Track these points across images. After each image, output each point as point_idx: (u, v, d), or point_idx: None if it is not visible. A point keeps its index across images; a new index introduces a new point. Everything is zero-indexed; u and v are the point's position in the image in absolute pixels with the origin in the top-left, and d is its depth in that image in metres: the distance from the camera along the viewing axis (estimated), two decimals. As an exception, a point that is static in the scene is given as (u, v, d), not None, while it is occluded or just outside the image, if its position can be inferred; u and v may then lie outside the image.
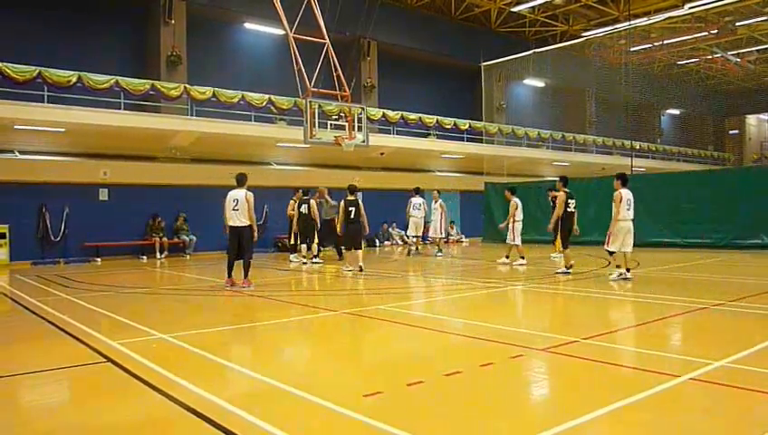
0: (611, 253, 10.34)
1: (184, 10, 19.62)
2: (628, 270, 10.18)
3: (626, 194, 10.26)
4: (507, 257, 13.70)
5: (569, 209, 11.21)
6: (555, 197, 15.18)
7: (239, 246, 9.74)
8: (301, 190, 14.75)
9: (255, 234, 9.97)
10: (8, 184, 15.57)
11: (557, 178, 12.28)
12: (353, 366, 5.13)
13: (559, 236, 11.75)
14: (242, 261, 9.84)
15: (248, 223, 9.66)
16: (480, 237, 22.83)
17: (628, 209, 10.21)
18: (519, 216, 13.72)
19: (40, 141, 16.58)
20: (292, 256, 15.36)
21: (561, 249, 11.78)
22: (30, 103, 15.37)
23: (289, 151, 20.72)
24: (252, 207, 9.65)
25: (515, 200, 13.79)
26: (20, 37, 17.32)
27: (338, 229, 12.88)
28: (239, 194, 9.66)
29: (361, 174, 21.87)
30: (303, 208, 14.30)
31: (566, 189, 11.37)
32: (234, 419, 3.57)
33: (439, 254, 16.57)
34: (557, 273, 11.36)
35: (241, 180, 9.85)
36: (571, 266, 11.27)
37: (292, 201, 15.00)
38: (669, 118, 40.43)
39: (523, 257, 13.55)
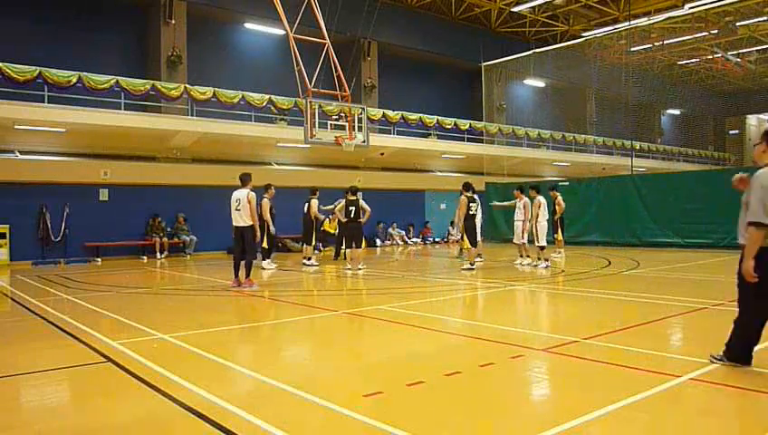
0: (542, 247, 12.73)
1: (184, 10, 19.62)
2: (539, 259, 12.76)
3: (543, 199, 13.04)
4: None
5: (470, 212, 12.26)
6: (555, 196, 15.24)
7: (243, 246, 9.77)
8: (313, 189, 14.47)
9: (258, 234, 9.99)
10: (8, 184, 15.59)
11: (559, 179, 12.54)
12: (353, 366, 5.13)
13: (466, 237, 12.43)
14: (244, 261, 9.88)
15: (250, 223, 9.68)
16: (480, 238, 22.84)
17: (545, 211, 12.93)
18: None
19: (40, 141, 16.59)
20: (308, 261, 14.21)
21: (468, 247, 12.40)
22: (30, 103, 15.39)
23: (289, 151, 20.73)
24: (254, 206, 9.67)
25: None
26: (20, 37, 17.33)
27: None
28: (241, 194, 9.71)
29: (361, 174, 21.89)
30: (305, 208, 14.13)
31: (468, 194, 12.30)
32: (234, 419, 3.57)
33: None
34: (462, 269, 12.12)
35: (244, 180, 9.88)
36: (473, 263, 12.35)
37: (315, 200, 14.24)
38: (669, 118, 40.43)
39: (523, 256, 13.52)
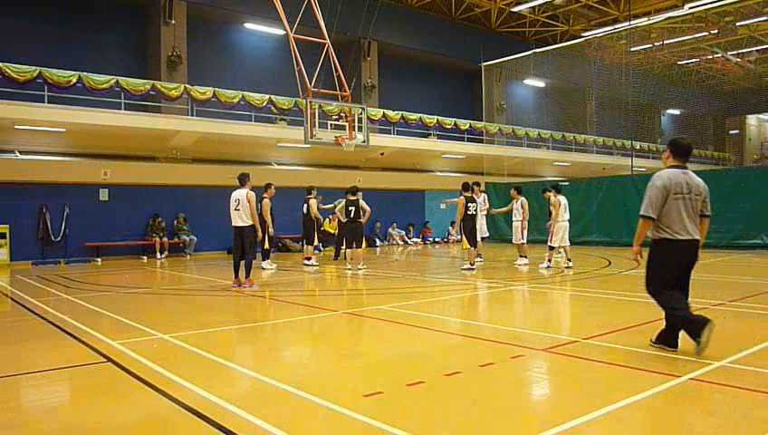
0: (552, 248, 12.53)
1: (184, 10, 19.63)
2: (569, 260, 12.44)
3: (562, 200, 12.50)
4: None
5: (469, 212, 12.26)
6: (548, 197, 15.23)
7: (242, 246, 9.78)
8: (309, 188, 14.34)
9: (259, 233, 10.00)
10: (8, 184, 15.59)
11: (560, 179, 12.43)
12: (353, 366, 5.13)
13: (465, 238, 12.49)
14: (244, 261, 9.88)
15: (250, 223, 9.69)
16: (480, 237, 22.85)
17: (565, 212, 12.49)
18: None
19: (40, 141, 16.59)
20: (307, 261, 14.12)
21: (467, 247, 12.41)
22: (30, 103, 15.39)
23: (289, 151, 20.73)
24: (253, 206, 9.68)
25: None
26: (20, 37, 17.34)
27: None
28: (240, 194, 9.72)
29: (361, 174, 21.88)
30: (304, 208, 14.16)
31: (467, 194, 12.40)
32: (234, 419, 3.57)
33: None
34: (462, 269, 12.14)
35: (242, 180, 9.88)
36: (473, 263, 12.36)
37: (313, 200, 14.16)
38: (669, 118, 40.41)
39: (524, 256, 13.53)
